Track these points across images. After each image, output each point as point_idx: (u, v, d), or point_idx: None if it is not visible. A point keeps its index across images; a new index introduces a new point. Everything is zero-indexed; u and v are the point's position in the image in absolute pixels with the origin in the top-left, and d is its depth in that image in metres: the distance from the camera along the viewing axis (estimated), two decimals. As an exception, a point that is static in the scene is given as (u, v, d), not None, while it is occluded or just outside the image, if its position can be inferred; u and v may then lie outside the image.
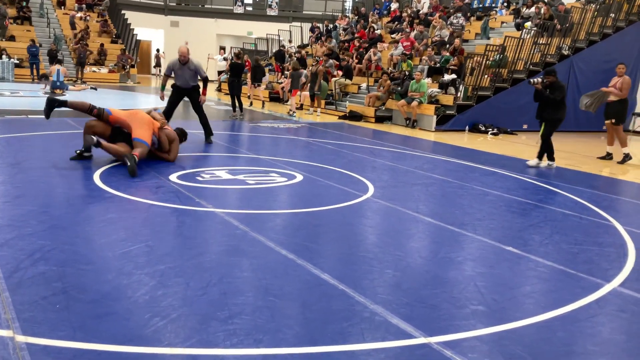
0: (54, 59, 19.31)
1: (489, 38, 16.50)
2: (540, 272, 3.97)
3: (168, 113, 8.82)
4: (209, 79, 10.02)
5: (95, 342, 2.55)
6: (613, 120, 9.82)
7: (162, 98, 9.39)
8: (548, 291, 3.65)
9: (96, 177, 5.86)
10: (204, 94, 8.85)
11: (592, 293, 3.59)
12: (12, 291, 3.01)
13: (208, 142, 8.86)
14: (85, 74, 21.35)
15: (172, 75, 8.91)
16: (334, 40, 20.93)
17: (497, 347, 2.79)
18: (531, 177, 7.76)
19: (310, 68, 16.09)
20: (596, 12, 14.97)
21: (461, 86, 13.75)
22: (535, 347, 2.82)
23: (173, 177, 6.13)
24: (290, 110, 15.07)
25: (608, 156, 10.04)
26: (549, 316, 3.20)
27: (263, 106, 16.45)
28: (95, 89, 17.00)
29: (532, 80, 8.60)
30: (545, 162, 8.64)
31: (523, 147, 11.32)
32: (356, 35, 20.56)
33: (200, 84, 8.95)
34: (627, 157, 9.78)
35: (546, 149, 8.61)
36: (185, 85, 8.78)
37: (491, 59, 14.04)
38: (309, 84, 15.89)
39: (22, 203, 4.74)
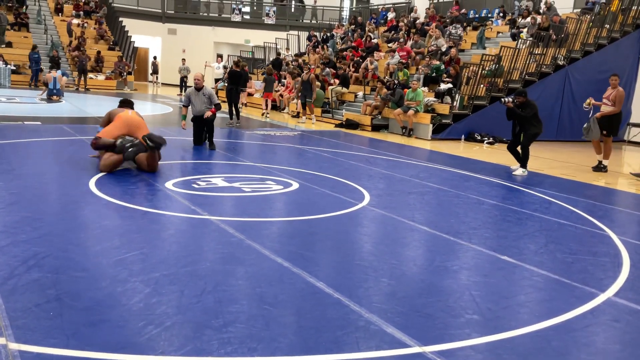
0: (55, 65, 19.32)
1: (484, 48, 16.60)
2: (535, 282, 3.97)
3: (199, 141, 9.23)
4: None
5: (88, 350, 2.54)
6: (604, 132, 9.85)
7: (184, 127, 9.63)
8: (543, 300, 3.66)
9: (92, 183, 5.85)
10: (213, 111, 8.93)
11: (587, 302, 3.60)
12: (6, 298, 2.99)
13: (211, 149, 9.10)
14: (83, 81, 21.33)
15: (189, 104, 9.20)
16: (330, 49, 21.01)
17: (492, 357, 2.79)
18: (527, 186, 7.79)
19: (302, 76, 16.11)
20: (591, 23, 15.09)
21: (457, 95, 13.82)
22: (530, 356, 2.82)
23: (169, 184, 6.12)
24: (265, 112, 16.10)
25: (600, 165, 10.04)
26: (544, 325, 3.20)
27: (266, 114, 16.53)
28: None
29: (503, 99, 8.93)
30: (520, 169, 8.89)
31: (519, 156, 11.34)
32: (353, 44, 20.65)
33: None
34: (602, 168, 9.89)
35: (524, 157, 8.92)
36: (202, 112, 8.98)
37: (487, 68, 14.12)
38: (299, 92, 15.96)
39: (17, 209, 4.73)
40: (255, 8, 32.69)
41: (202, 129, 9.19)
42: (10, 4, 24.36)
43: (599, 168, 9.93)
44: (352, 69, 18.02)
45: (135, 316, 2.91)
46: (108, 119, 7.03)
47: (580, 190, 7.97)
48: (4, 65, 19.86)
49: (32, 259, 3.59)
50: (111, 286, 3.27)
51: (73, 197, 5.38)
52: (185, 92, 21.46)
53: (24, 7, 24.55)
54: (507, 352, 2.85)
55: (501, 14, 19.36)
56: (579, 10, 17.28)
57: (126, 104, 7.48)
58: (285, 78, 19.29)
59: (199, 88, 8.97)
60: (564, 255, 4.67)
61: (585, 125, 10.10)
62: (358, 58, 18.78)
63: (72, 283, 3.27)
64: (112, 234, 4.27)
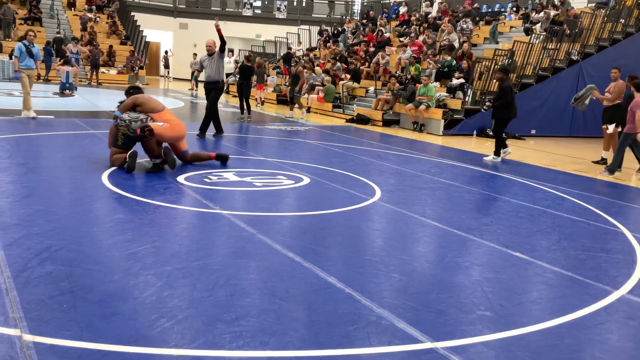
0: (64, 59, 19.45)
1: (497, 42, 16.46)
2: (548, 278, 3.94)
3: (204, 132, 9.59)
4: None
5: (101, 342, 2.56)
6: (608, 126, 9.84)
7: (193, 89, 10.77)
8: (555, 297, 3.63)
9: (104, 177, 5.89)
10: (219, 30, 9.66)
11: (600, 300, 3.57)
12: (20, 290, 3.02)
13: (219, 135, 9.78)
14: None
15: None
16: (341, 44, 20.95)
17: (504, 353, 2.78)
18: (539, 182, 7.73)
19: (290, 69, 15.88)
20: (606, 18, 14.90)
21: (469, 90, 13.72)
22: (542, 353, 2.80)
23: (181, 178, 6.14)
24: (257, 102, 17.07)
25: (602, 161, 10.06)
26: (557, 323, 3.18)
27: (259, 104, 17.90)
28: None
29: (484, 108, 10.42)
30: (495, 157, 9.42)
31: (531, 152, 11.27)
32: (364, 38, 20.57)
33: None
34: (601, 162, 9.98)
35: (497, 143, 9.46)
36: (211, 78, 9.53)
37: (500, 63, 14.00)
38: (305, 86, 15.93)
39: (31, 203, 4.77)
40: (266, 2, 32.64)
41: (209, 118, 9.58)
42: (23, -1, 24.55)
43: (601, 162, 10.01)
44: (360, 63, 17.94)
45: (147, 309, 2.93)
46: (133, 104, 6.55)
47: (594, 186, 7.89)
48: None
49: (45, 252, 3.62)
50: (124, 279, 3.30)
51: (86, 190, 5.42)
52: (196, 86, 21.75)
53: (37, 2, 24.70)
54: (519, 348, 2.83)
55: (514, 9, 19.18)
56: (593, 4, 17.07)
57: (137, 90, 7.13)
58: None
59: (211, 53, 9.52)
60: (577, 252, 4.63)
61: (579, 93, 10.41)
62: (371, 51, 18.70)
63: (85, 276, 3.29)
64: (125, 228, 4.29)
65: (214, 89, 9.60)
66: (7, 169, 5.98)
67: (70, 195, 5.20)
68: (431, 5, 21.68)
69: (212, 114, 9.63)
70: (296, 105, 15.50)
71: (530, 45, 13.99)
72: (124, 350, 2.52)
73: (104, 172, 6.10)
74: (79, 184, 5.67)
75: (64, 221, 4.33)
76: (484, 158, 9.49)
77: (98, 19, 25.31)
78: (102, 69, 22.17)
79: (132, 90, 6.92)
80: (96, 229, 4.25)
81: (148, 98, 6.74)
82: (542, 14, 16.14)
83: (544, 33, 14.74)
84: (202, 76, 10.05)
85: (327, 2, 30.81)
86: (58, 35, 22.46)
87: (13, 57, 9.83)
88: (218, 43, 9.54)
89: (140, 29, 26.08)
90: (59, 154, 6.86)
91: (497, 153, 9.38)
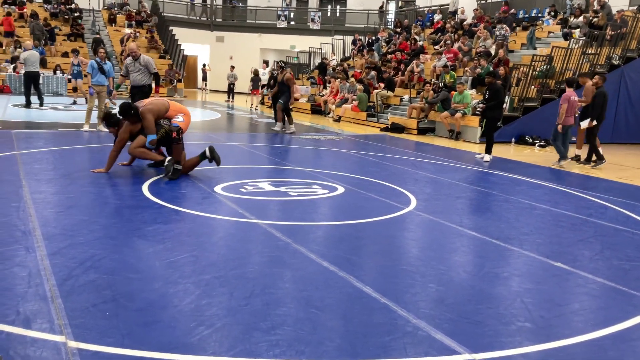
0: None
1: (535, 48, 16.18)
2: (590, 289, 3.84)
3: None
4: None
5: (142, 349, 2.62)
6: (580, 123, 10.47)
7: (114, 98, 10.34)
8: (598, 308, 3.53)
9: (145, 188, 6.04)
10: (157, 91, 9.22)
11: (646, 312, 3.45)
12: (65, 298, 3.13)
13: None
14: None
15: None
16: (375, 53, 20.96)
17: (545, 366, 2.72)
18: (581, 190, 7.54)
19: (274, 75, 13.74)
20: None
21: (507, 97, 13.50)
22: (585, 366, 2.73)
23: (217, 188, 6.25)
24: (252, 106, 18.73)
25: (576, 157, 10.65)
26: (599, 334, 3.09)
27: (254, 107, 19.82)
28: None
29: (478, 110, 11.06)
30: (488, 156, 9.89)
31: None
32: (398, 47, 20.53)
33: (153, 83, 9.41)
34: (576, 158, 10.66)
35: (488, 143, 9.96)
36: (137, 82, 9.08)
37: (538, 69, 13.76)
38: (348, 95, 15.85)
39: (74, 213, 4.93)
40: (300, 14, 32.97)
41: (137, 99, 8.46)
42: (67, 16, 25.43)
43: (574, 159, 10.56)
44: (393, 72, 17.90)
45: (186, 317, 2.98)
46: (155, 117, 6.60)
47: (638, 194, 7.64)
48: (61, 75, 20.73)
49: (88, 261, 3.74)
50: (163, 288, 3.37)
51: (127, 201, 5.56)
52: (229, 96, 22.25)
53: (80, 18, 25.59)
54: (560, 361, 2.76)
55: (552, 13, 18.82)
56: (635, 7, 16.61)
57: (129, 109, 6.59)
58: (329, 83, 19.38)
59: (136, 57, 9.13)
60: (620, 262, 4.49)
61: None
62: (404, 59, 18.64)
63: (126, 284, 3.38)
64: (164, 237, 4.39)
65: (140, 93, 8.97)
66: (51, 180, 6.20)
67: (112, 205, 5.35)
68: (454, 13, 21.52)
69: None
70: (280, 115, 12.87)
71: (569, 50, 13.69)
72: (165, 357, 2.57)
73: (145, 183, 6.25)
74: (121, 194, 5.82)
75: (107, 231, 4.45)
76: (476, 156, 10.26)
77: (138, 34, 26.03)
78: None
79: (132, 112, 6.58)
80: (137, 239, 4.36)
81: (154, 105, 6.71)
82: (581, 18, 15.79)
83: (583, 38, 14.42)
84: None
85: (360, 12, 30.91)
86: (97, 36, 23.26)
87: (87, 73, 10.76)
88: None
89: (179, 42, 26.70)
90: (101, 166, 7.04)
91: (488, 151, 9.91)
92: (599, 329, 3.16)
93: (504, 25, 17.09)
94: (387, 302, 3.34)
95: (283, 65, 13.12)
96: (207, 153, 6.86)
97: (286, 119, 12.66)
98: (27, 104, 14.68)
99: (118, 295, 3.21)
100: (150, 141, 6.57)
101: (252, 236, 4.61)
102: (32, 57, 14.85)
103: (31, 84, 14.95)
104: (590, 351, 2.90)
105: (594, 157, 10.28)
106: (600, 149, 10.21)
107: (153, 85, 9.48)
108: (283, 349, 2.71)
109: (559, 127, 9.73)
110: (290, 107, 12.86)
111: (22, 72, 14.66)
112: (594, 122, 10.18)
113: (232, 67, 23.94)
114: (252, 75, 20.30)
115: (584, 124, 10.29)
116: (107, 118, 6.89)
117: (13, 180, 6.02)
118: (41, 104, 15.04)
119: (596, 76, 10.46)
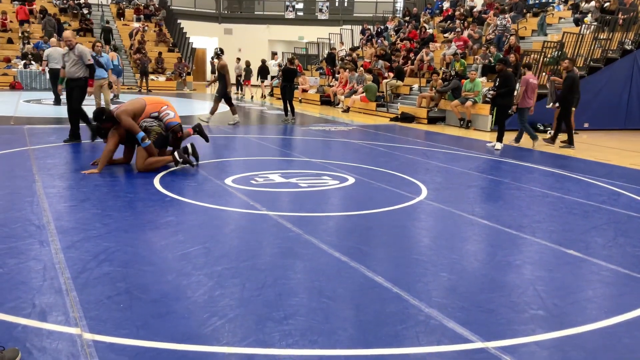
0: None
1: (546, 34, 15.99)
2: (604, 276, 3.81)
3: (58, 102, 8.72)
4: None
5: (156, 341, 2.65)
6: (557, 105, 10.98)
7: (60, 92, 9.65)
8: (612, 296, 3.51)
9: (156, 181, 6.07)
10: (91, 84, 8.49)
11: (661, 298, 3.42)
12: (80, 291, 3.16)
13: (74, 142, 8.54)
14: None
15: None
16: (385, 42, 20.83)
17: (558, 353, 2.71)
18: (593, 177, 7.47)
19: (216, 64, 12.32)
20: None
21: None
22: (599, 354, 2.72)
23: (228, 180, 6.27)
24: (242, 94, 19.84)
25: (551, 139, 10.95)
26: (613, 322, 3.07)
27: (263, 97, 20.90)
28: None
29: (488, 97, 11.17)
30: (499, 144, 9.94)
31: (585, 145, 10.89)
32: (407, 35, 20.39)
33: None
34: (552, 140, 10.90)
35: (499, 131, 10.04)
36: (71, 74, 8.20)
37: (549, 56, 13.60)
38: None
39: (88, 206, 4.97)
40: (308, 4, 32.82)
41: (77, 122, 8.48)
42: (75, 11, 25.52)
43: (552, 140, 10.83)
44: (403, 61, 17.78)
45: (199, 308, 3.01)
46: (132, 116, 6.54)
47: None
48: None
49: (102, 254, 3.77)
50: (177, 279, 3.40)
51: (139, 194, 5.60)
52: (238, 89, 22.34)
53: (89, 13, 25.67)
54: (574, 348, 2.75)
55: (563, -1, 18.58)
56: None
57: (102, 113, 6.59)
58: (338, 73, 19.31)
59: (71, 47, 8.18)
60: (634, 248, 4.45)
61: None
62: (414, 49, 18.52)
63: (140, 276, 3.41)
64: (177, 229, 4.42)
65: (76, 87, 8.27)
66: (64, 175, 6.26)
67: (124, 199, 5.39)
68: (463, 0, 21.34)
69: (80, 116, 8.51)
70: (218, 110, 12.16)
71: (581, 36, 13.52)
72: (178, 348, 2.60)
73: (156, 177, 6.29)
74: (133, 188, 5.86)
75: (119, 224, 4.49)
76: (487, 144, 10.33)
77: (146, 28, 26.08)
78: (151, 76, 22.81)
79: (104, 117, 6.56)
80: (150, 231, 4.40)
81: (129, 105, 6.71)
82: (592, 3, 15.57)
83: (595, 23, 14.22)
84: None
85: (369, 1, 30.71)
86: (107, 25, 23.37)
87: None
88: None
89: (187, 35, 26.71)
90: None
91: (500, 139, 9.94)
92: (613, 316, 3.14)
93: (506, 16, 16.85)
94: (399, 292, 3.34)
95: (220, 53, 12.00)
96: (189, 149, 6.83)
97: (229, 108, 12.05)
98: (57, 101, 14.15)
99: (132, 287, 3.24)
100: (147, 148, 6.48)
101: (263, 228, 4.63)
102: (55, 53, 14.84)
103: (57, 81, 14.87)
104: (604, 338, 2.88)
105: (560, 137, 10.83)
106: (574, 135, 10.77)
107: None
108: (296, 338, 2.72)
109: (514, 107, 10.34)
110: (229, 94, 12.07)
111: (47, 69, 14.53)
112: (557, 105, 10.88)
113: (238, 59, 23.92)
114: (245, 66, 21.29)
115: (549, 105, 11.32)
116: (99, 115, 6.63)
117: (26, 175, 6.08)
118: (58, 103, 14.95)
119: (566, 60, 10.94)
